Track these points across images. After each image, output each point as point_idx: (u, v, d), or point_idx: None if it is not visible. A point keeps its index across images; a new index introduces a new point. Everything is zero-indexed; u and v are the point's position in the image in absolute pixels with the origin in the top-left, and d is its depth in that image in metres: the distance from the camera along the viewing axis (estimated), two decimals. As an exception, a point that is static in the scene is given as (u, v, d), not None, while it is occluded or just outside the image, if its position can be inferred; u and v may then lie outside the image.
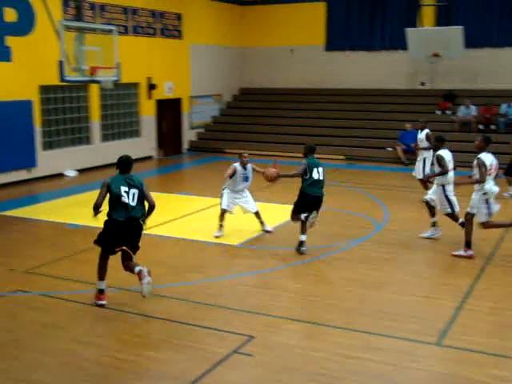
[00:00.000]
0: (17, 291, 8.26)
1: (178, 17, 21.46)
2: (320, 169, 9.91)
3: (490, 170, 9.31)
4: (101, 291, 7.80)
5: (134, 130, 20.40)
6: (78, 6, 14.46)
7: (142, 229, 7.70)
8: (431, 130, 13.82)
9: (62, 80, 13.44)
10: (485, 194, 9.33)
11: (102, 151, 18.68)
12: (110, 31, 14.72)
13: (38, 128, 16.49)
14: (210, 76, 23.45)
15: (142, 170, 18.49)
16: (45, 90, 16.80)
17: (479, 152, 9.33)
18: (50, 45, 15.63)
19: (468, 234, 9.49)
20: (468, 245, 9.52)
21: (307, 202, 9.81)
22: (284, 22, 24.18)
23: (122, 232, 7.56)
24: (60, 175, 17.26)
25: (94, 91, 18.30)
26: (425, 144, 13.59)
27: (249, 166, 10.89)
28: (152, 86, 20.38)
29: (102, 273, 7.77)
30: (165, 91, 21.16)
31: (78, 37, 13.72)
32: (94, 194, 14.34)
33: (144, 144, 20.53)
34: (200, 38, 22.53)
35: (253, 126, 23.07)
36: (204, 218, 12.20)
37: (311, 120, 22.50)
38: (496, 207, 9.42)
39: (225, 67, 24.28)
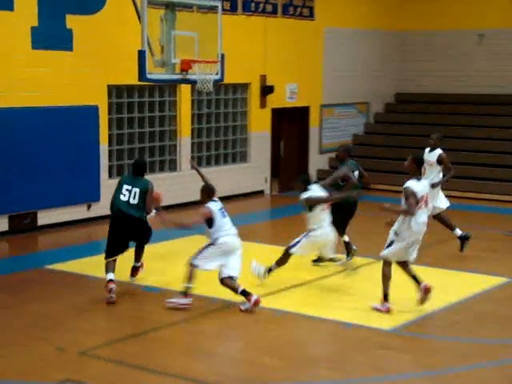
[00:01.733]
0: (67, 381, 8.46)
1: (310, -12, 21.92)
2: (356, 173, 13.31)
3: (420, 202, 10.64)
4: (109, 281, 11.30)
5: (239, 153, 20.83)
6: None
7: (141, 225, 11.62)
8: None
9: (143, 78, 13.96)
10: (397, 234, 10.70)
11: (193, 181, 19.12)
12: (212, 8, 15.20)
13: (103, 146, 17.24)
14: (353, 75, 23.60)
15: (248, 211, 18.75)
16: (116, 91, 17.57)
17: (409, 177, 10.79)
18: (125, 28, 16.36)
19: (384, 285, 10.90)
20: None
21: (345, 214, 13.16)
22: (468, -6, 24.06)
23: (116, 227, 11.60)
24: (131, 215, 17.88)
25: (186, 95, 18.90)
26: (435, 169, 14.24)
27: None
28: (267, 89, 20.77)
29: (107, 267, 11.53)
30: (285, 97, 21.49)
31: (166, 16, 14.26)
32: (177, 244, 14.82)
33: (253, 173, 20.85)
34: (340, 19, 22.82)
35: (416, 150, 22.74)
36: (338, 285, 12.16)
37: (510, 144, 22.04)
38: (414, 254, 10.90)
39: (375, 62, 24.37)
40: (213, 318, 10.72)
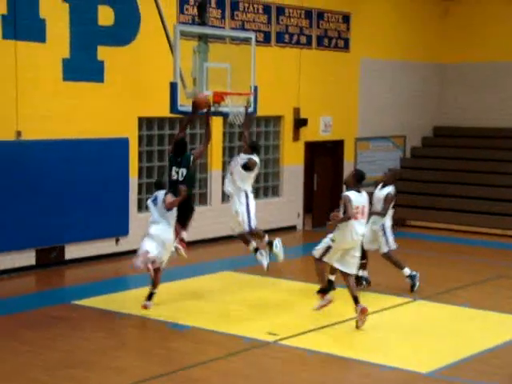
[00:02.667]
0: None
1: (346, 18, 21.99)
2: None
3: (357, 212, 11.88)
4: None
5: (271, 187, 20.86)
6: (201, 4, 15.18)
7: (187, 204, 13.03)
8: None
9: (174, 111, 14.05)
10: (333, 240, 12.07)
11: (224, 216, 19.16)
12: (245, 40, 15.30)
13: (133, 179, 17.37)
14: (390, 108, 23.61)
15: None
16: (147, 123, 17.72)
17: (347, 189, 12.15)
18: (157, 59, 16.54)
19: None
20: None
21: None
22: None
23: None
24: (160, 249, 17.94)
25: (217, 128, 18.97)
26: (378, 207, 14.07)
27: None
28: (301, 122, 20.85)
29: None
30: (319, 130, 21.54)
31: (199, 48, 14.37)
32: (207, 281, 14.84)
33: (285, 207, 20.86)
34: (376, 51, 22.90)
35: (453, 186, 22.75)
36: (370, 325, 12.05)
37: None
38: (353, 268, 12.15)
39: (412, 94, 24.37)
40: (243, 358, 10.68)
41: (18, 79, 15.16)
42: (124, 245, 17.18)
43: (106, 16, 16.49)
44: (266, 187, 20.73)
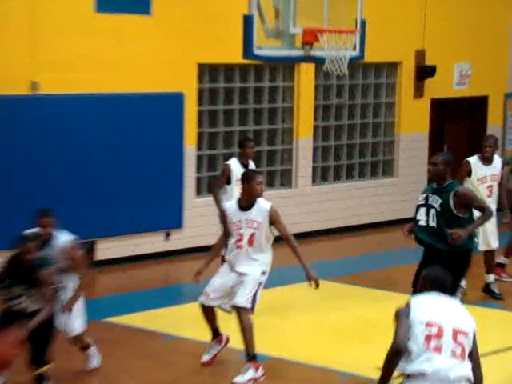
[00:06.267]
0: None
1: None
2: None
3: None
4: None
5: (381, 162, 20.98)
6: None
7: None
8: None
9: (249, 55, 14.21)
10: (264, 273, 12.00)
11: (316, 202, 19.30)
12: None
13: (189, 149, 17.61)
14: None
15: (392, 248, 18.73)
16: (209, 73, 17.94)
17: None
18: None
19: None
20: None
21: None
22: None
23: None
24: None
25: (307, 79, 19.12)
26: None
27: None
28: (426, 71, 20.89)
29: None
30: (453, 82, 21.54)
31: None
32: (290, 292, 14.97)
33: (401, 192, 20.81)
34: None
35: None
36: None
37: None
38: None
39: None
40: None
41: (35, 14, 15.40)
42: (176, 240, 17.40)
43: None
44: (374, 163, 20.86)
